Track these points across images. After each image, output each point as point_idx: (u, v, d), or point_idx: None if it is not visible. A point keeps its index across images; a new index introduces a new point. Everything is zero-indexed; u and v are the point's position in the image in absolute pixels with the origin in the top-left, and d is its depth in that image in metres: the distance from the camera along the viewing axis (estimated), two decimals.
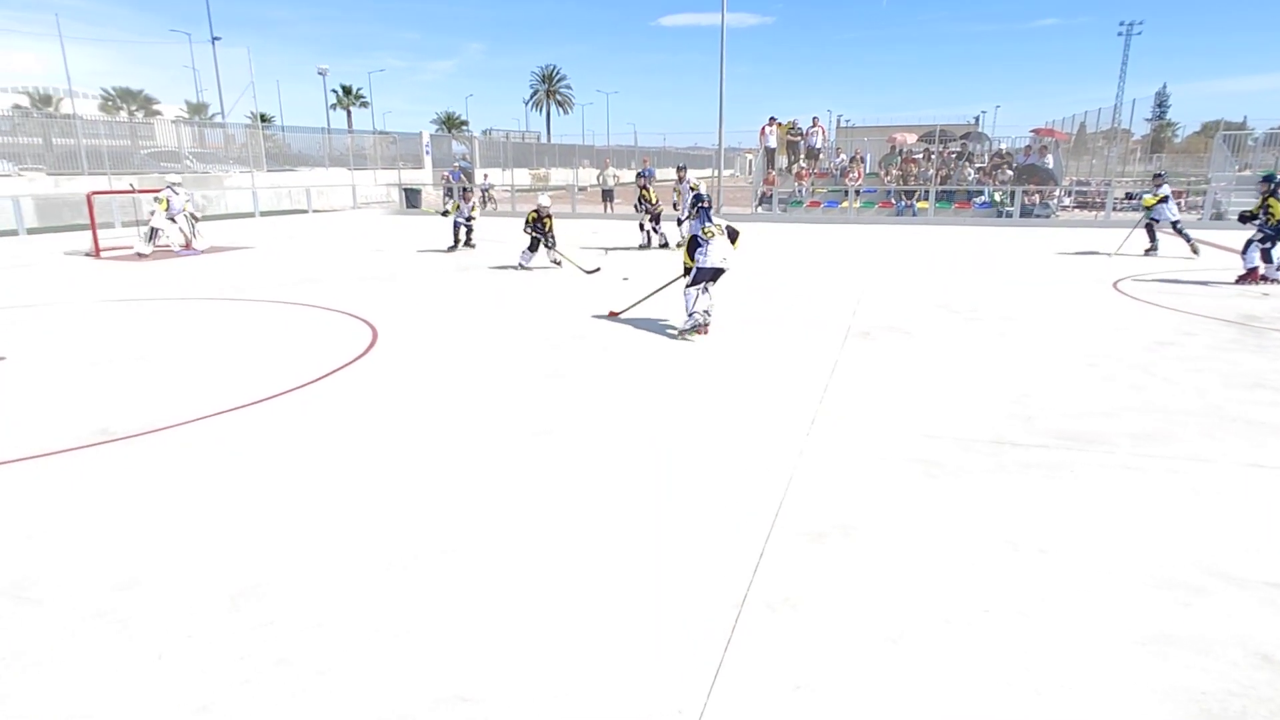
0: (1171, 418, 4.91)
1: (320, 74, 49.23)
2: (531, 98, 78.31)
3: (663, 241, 14.85)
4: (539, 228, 11.82)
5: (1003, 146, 23.87)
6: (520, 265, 11.91)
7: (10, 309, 8.80)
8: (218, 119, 37.82)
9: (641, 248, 14.89)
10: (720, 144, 23.60)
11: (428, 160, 33.96)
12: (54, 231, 17.89)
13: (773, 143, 23.78)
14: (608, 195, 23.82)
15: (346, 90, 66.02)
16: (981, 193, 21.06)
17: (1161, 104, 54.00)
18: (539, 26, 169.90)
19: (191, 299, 9.36)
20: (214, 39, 39.09)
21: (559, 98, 78.43)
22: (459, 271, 11.97)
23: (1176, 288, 9.89)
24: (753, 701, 2.38)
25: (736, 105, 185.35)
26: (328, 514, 3.65)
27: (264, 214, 23.98)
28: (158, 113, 52.58)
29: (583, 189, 27.13)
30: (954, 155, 23.02)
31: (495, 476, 4.08)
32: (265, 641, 2.68)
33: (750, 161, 34.10)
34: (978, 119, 37.46)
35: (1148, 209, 13.13)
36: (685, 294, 7.19)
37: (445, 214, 15.27)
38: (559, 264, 11.99)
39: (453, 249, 14.36)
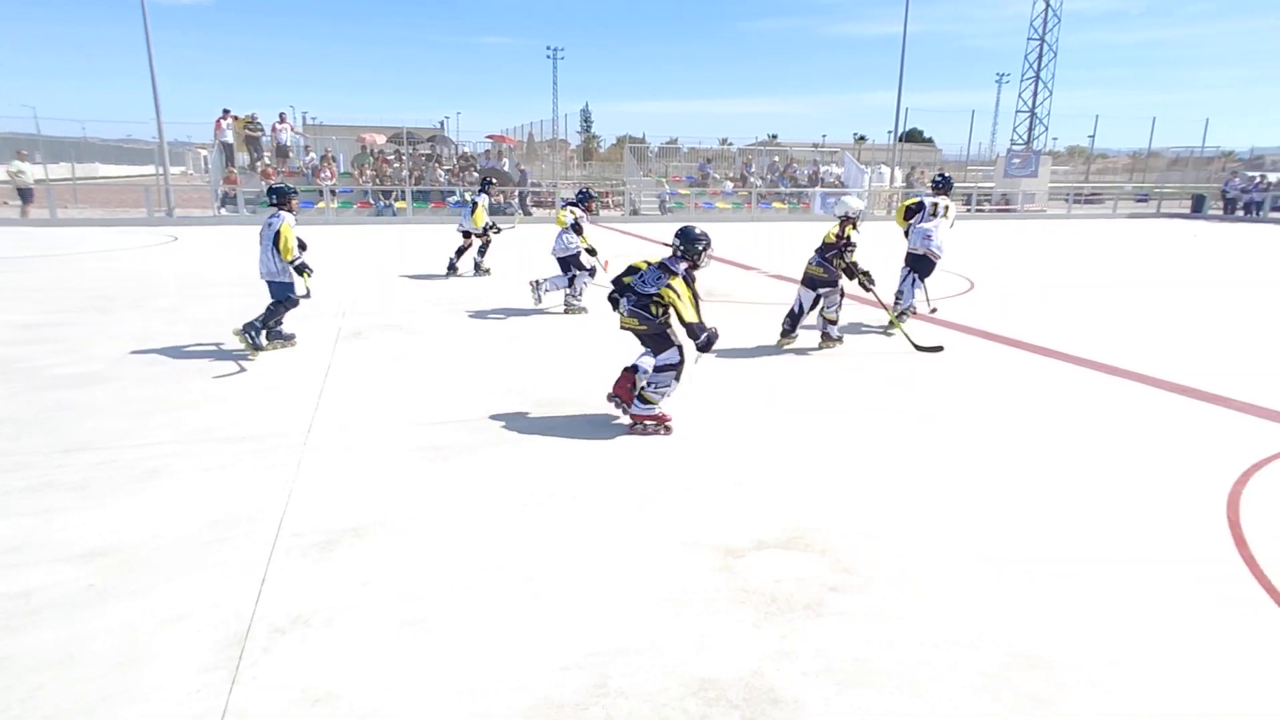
0: None
1: None
2: None
3: None
4: None
5: (467, 149, 25.70)
6: None
7: None
8: None
9: None
10: (161, 136, 20.32)
11: None
12: None
13: (230, 138, 21.40)
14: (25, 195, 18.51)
15: None
16: (454, 193, 22.28)
17: (587, 119, 64.21)
18: None
19: None
20: None
21: None
22: None
23: None
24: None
25: (186, 95, 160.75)
26: None
27: None
28: None
29: None
30: (424, 157, 23.94)
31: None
32: None
33: (205, 158, 30.18)
34: (443, 123, 39.34)
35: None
36: None
37: None
38: None
39: None
